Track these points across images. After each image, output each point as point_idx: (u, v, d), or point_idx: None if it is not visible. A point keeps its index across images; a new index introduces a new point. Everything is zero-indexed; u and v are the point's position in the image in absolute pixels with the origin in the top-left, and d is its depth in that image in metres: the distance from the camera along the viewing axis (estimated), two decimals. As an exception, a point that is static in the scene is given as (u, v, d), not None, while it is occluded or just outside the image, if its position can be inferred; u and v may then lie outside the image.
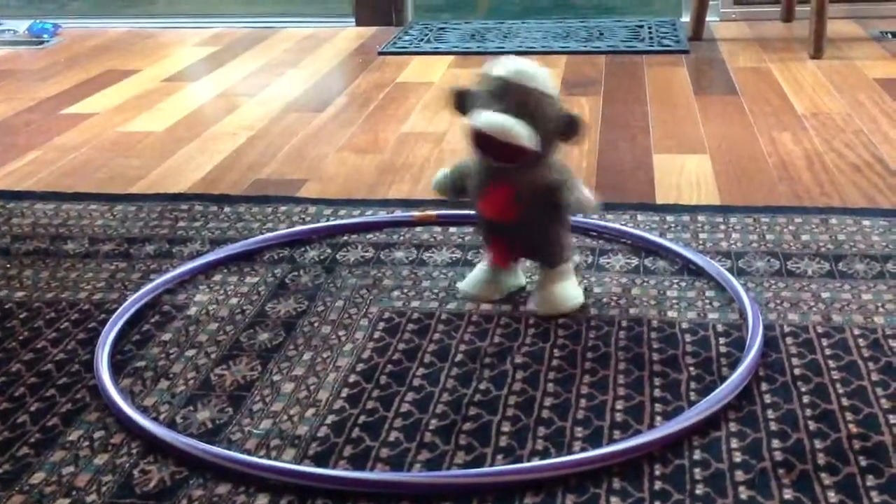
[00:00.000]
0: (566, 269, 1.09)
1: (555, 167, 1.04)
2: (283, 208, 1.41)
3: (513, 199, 1.03)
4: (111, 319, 1.07)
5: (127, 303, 1.11)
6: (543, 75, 1.02)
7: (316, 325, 1.07)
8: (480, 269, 1.13)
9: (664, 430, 0.84)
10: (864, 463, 0.81)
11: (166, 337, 1.06)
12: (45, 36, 2.73)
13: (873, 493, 0.77)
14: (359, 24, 2.81)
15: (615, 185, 1.48)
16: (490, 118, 0.99)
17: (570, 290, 1.08)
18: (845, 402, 0.89)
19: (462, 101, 1.05)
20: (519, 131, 0.98)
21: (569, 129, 1.02)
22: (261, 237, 1.28)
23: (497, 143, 0.99)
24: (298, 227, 1.31)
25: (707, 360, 0.97)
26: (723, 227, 1.28)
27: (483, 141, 0.99)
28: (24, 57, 2.55)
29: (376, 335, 1.04)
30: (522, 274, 1.14)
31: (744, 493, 0.78)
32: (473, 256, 1.23)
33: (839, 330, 1.02)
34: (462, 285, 1.13)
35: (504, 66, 1.02)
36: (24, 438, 0.89)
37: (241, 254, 1.25)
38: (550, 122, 1.01)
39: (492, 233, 1.09)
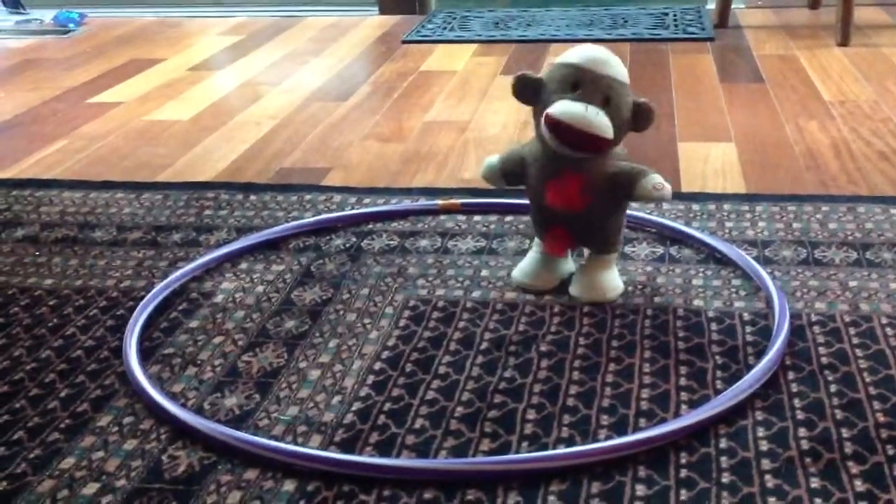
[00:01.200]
0: (614, 257, 1.09)
1: (620, 155, 1.04)
2: (307, 197, 1.41)
3: (583, 188, 1.02)
4: (139, 307, 1.08)
5: (154, 290, 1.12)
6: (616, 62, 1.00)
7: (341, 312, 1.08)
8: (533, 257, 1.11)
9: (691, 418, 0.84)
10: (891, 452, 0.80)
11: (194, 324, 1.07)
12: (71, 25, 2.75)
13: (901, 483, 0.77)
14: (382, 12, 2.81)
15: (640, 173, 1.48)
16: (569, 107, 0.97)
17: (614, 279, 1.08)
18: (873, 391, 0.89)
19: (530, 90, 1.03)
20: (599, 121, 0.97)
21: (640, 117, 1.00)
22: (286, 225, 1.29)
23: (576, 132, 0.97)
24: (324, 216, 1.32)
25: (733, 348, 0.97)
26: (749, 215, 1.28)
27: (562, 130, 0.98)
28: (51, 46, 2.57)
29: (401, 323, 1.05)
30: (572, 259, 1.13)
31: (770, 482, 0.78)
32: (498, 245, 1.23)
33: (867, 319, 1.01)
34: (516, 274, 1.11)
35: (577, 54, 1.00)
36: (55, 424, 0.90)
37: (267, 242, 1.25)
38: (624, 110, 1.00)
39: (552, 222, 1.06)
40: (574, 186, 1.02)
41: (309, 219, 1.31)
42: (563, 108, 0.97)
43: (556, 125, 0.98)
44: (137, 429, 0.88)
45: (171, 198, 1.43)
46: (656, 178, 1.00)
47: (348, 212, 1.33)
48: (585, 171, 1.01)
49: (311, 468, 0.81)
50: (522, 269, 1.11)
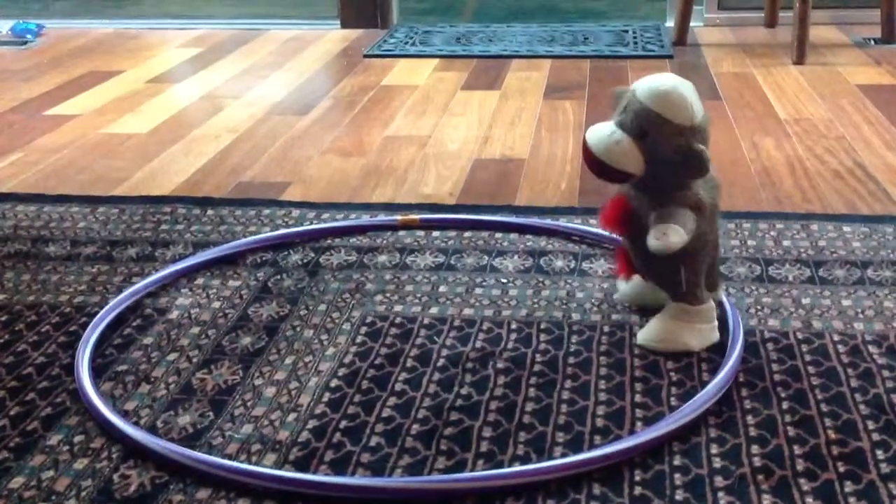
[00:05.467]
0: (687, 310, 0.99)
1: (688, 200, 0.95)
2: (266, 211, 1.40)
3: (623, 214, 0.97)
4: (92, 323, 1.06)
5: (109, 306, 1.10)
6: (674, 101, 0.92)
7: (298, 329, 1.07)
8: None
9: (645, 435, 0.84)
10: (842, 469, 0.81)
11: (148, 340, 1.06)
12: (29, 36, 2.72)
13: (851, 499, 0.77)
14: (344, 26, 2.81)
15: (598, 189, 1.48)
16: (595, 130, 0.94)
17: (676, 333, 0.99)
18: (824, 407, 0.90)
19: (613, 104, 0.98)
20: (614, 150, 0.93)
21: (687, 164, 0.92)
22: (243, 241, 1.28)
23: (591, 156, 0.94)
24: (282, 231, 1.31)
25: (688, 365, 0.98)
26: (705, 232, 1.29)
27: (584, 151, 0.95)
28: (7, 57, 2.54)
29: (359, 339, 1.04)
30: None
31: (723, 499, 0.78)
32: (456, 261, 1.23)
33: (819, 336, 1.02)
34: (622, 286, 1.09)
35: (644, 80, 0.94)
36: (4, 442, 0.88)
37: (224, 257, 1.24)
38: (664, 150, 0.92)
39: (621, 242, 1.04)
40: (616, 209, 0.97)
41: (268, 233, 1.30)
42: (592, 130, 0.95)
43: (583, 145, 0.95)
44: (88, 447, 0.87)
45: (126, 212, 1.42)
46: (660, 229, 0.93)
47: (307, 227, 1.32)
48: (633, 200, 0.97)
49: (266, 487, 0.81)
50: (630, 283, 1.08)
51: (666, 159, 0.93)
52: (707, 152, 0.92)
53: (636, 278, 1.07)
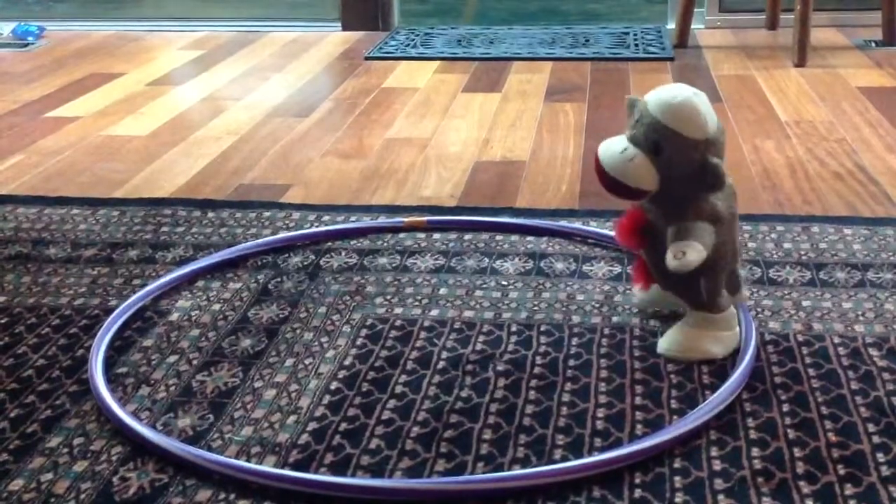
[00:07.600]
0: (709, 318, 0.98)
1: (704, 212, 0.94)
2: (266, 214, 1.40)
3: (637, 228, 0.97)
4: (105, 324, 1.06)
5: (120, 309, 1.10)
6: (688, 115, 0.91)
7: (298, 331, 1.07)
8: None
9: (653, 439, 0.84)
10: (842, 471, 0.81)
11: (148, 343, 1.06)
12: (30, 38, 2.72)
13: (851, 502, 0.77)
14: (345, 28, 2.81)
15: (599, 191, 1.47)
16: (609, 147, 0.93)
17: (699, 341, 0.98)
18: (825, 410, 0.90)
19: (629, 112, 0.96)
20: (628, 168, 0.92)
21: (706, 178, 0.91)
22: (244, 245, 1.28)
23: (606, 175, 0.93)
24: (282, 234, 1.31)
25: (688, 368, 0.97)
26: (705, 234, 1.29)
27: (597, 170, 0.94)
28: (8, 59, 2.54)
29: (359, 342, 1.04)
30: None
31: (723, 502, 0.78)
32: (457, 263, 1.23)
33: (819, 338, 1.02)
34: (638, 293, 1.07)
35: (656, 92, 0.93)
36: (3, 445, 0.88)
37: (225, 261, 1.24)
38: (681, 165, 0.92)
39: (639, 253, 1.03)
40: (630, 223, 0.97)
41: (268, 238, 1.30)
42: (604, 147, 0.93)
43: (595, 163, 0.94)
44: (88, 450, 0.87)
45: (127, 214, 1.42)
46: (679, 247, 0.92)
47: (325, 228, 1.32)
48: (649, 212, 0.96)
49: (279, 487, 0.81)
50: (646, 291, 1.07)
51: (681, 174, 0.92)
52: (722, 165, 0.91)
53: (653, 285, 1.06)
